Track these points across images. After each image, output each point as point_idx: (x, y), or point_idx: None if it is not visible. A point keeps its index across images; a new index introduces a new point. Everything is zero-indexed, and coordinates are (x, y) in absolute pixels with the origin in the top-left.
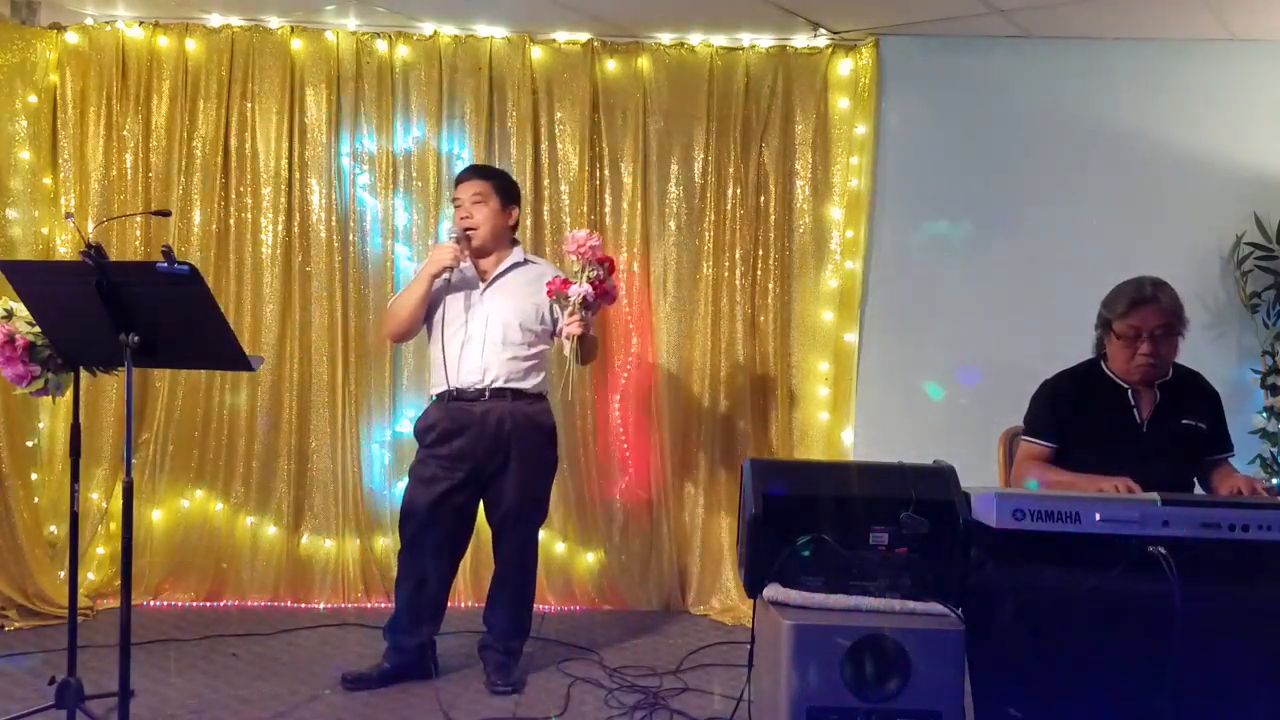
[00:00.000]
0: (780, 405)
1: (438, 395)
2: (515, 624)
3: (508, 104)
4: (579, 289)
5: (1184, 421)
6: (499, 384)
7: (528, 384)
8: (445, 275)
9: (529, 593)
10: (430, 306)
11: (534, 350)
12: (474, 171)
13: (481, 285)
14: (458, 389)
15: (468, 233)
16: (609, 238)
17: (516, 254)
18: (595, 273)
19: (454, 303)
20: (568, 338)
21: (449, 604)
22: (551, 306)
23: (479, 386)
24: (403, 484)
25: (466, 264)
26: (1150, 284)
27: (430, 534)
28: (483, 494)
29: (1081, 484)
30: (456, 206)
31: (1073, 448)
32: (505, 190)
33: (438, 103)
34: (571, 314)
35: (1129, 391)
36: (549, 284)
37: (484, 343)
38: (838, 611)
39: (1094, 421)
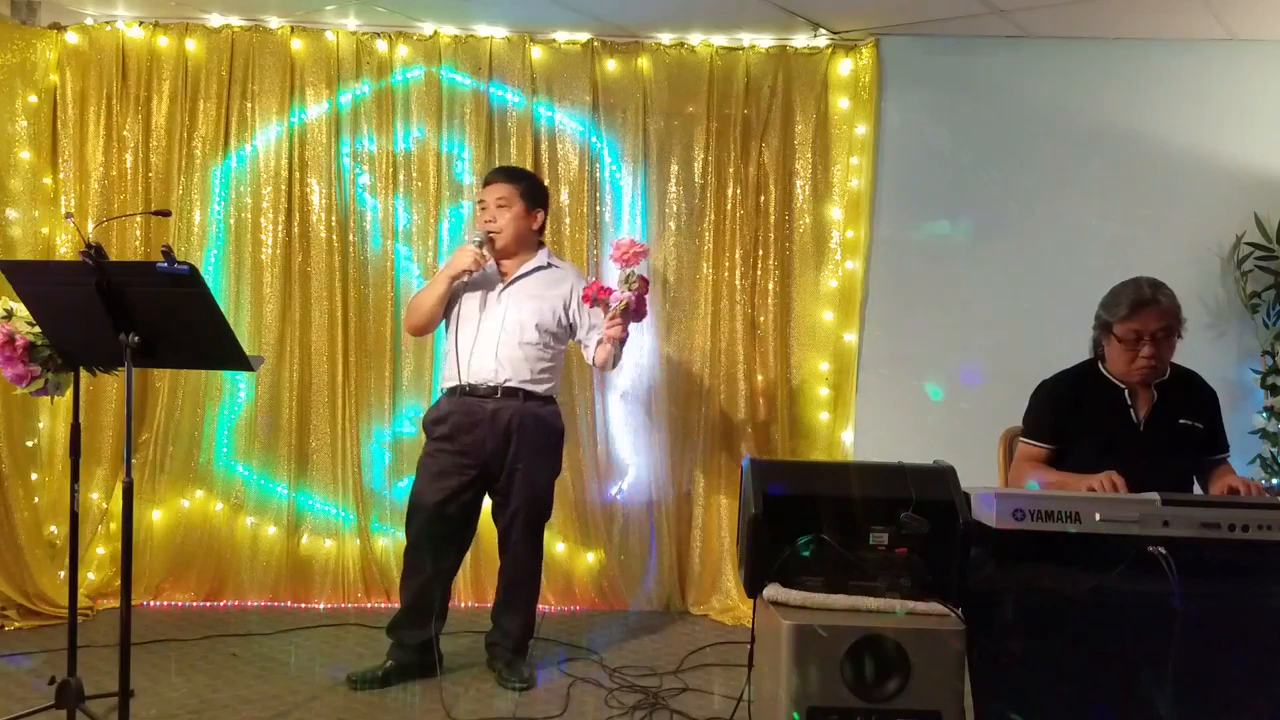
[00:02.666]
0: (780, 405)
1: (449, 389)
2: (526, 623)
3: (508, 104)
4: (621, 295)
5: (1181, 421)
6: (512, 383)
7: (540, 386)
8: (464, 279)
9: (538, 591)
10: (450, 301)
11: (549, 352)
12: (500, 174)
13: (501, 285)
14: (470, 384)
15: (490, 236)
16: (609, 237)
17: (541, 257)
18: (638, 279)
19: (472, 300)
20: (609, 340)
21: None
22: (569, 311)
23: (492, 384)
24: (403, 484)
25: (489, 265)
26: (1149, 285)
27: (437, 529)
28: (489, 492)
29: (1072, 483)
30: (481, 209)
31: (1071, 449)
32: (531, 194)
33: (438, 102)
34: (613, 318)
35: (1125, 392)
36: (586, 289)
37: (499, 341)
38: (838, 611)
39: (1092, 423)
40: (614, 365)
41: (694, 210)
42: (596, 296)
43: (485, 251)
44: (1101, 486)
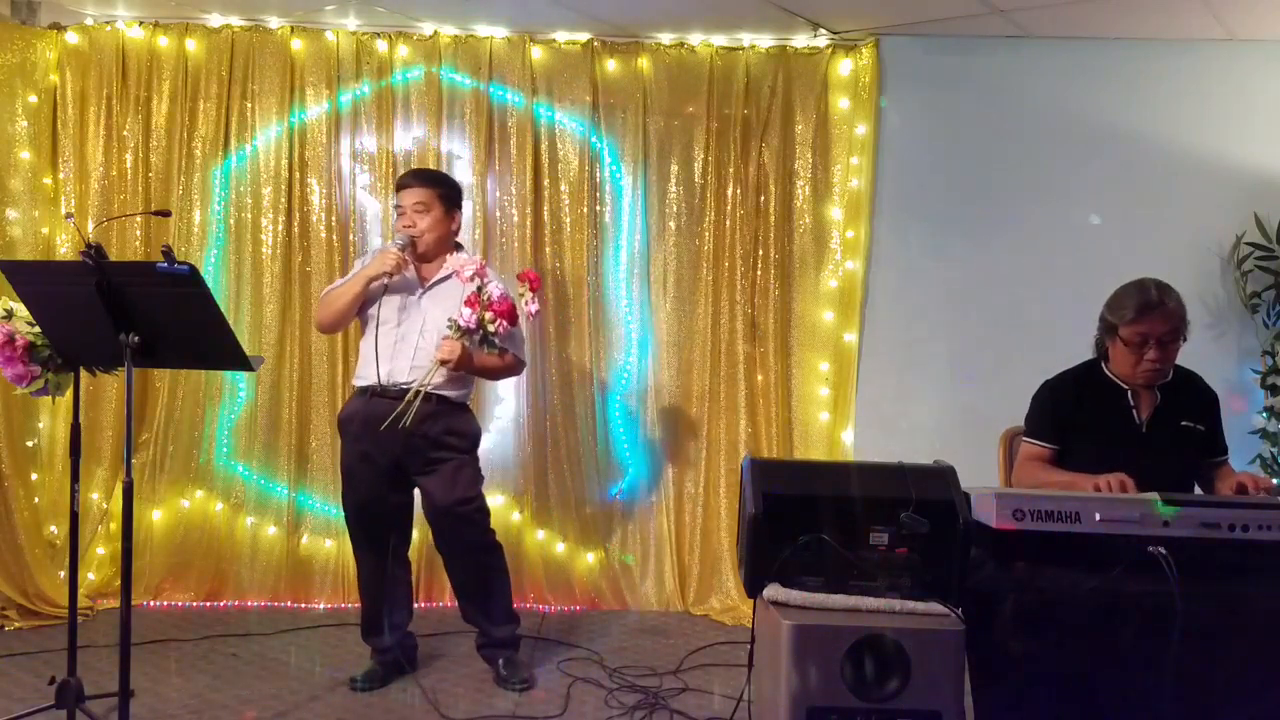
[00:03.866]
0: (780, 405)
1: (361, 388)
2: (494, 615)
3: (508, 104)
4: (466, 316)
5: (1183, 423)
6: (426, 388)
7: (453, 392)
8: (384, 280)
9: (496, 583)
10: (367, 301)
11: None
12: (416, 178)
13: (420, 289)
14: (383, 385)
15: (412, 240)
16: (609, 237)
17: (457, 260)
18: (489, 294)
19: (391, 302)
20: (436, 361)
21: (446, 604)
22: (483, 316)
23: (405, 385)
24: None
25: (409, 269)
26: (1155, 288)
27: (372, 530)
28: (421, 493)
29: (1079, 483)
30: (399, 213)
31: (1073, 449)
32: (448, 197)
33: (437, 103)
34: (449, 337)
35: (1128, 393)
36: (467, 298)
37: (417, 347)
38: (838, 611)
39: (1094, 422)
40: (492, 378)
41: (694, 210)
42: (461, 307)
43: (407, 255)
44: (1108, 486)
